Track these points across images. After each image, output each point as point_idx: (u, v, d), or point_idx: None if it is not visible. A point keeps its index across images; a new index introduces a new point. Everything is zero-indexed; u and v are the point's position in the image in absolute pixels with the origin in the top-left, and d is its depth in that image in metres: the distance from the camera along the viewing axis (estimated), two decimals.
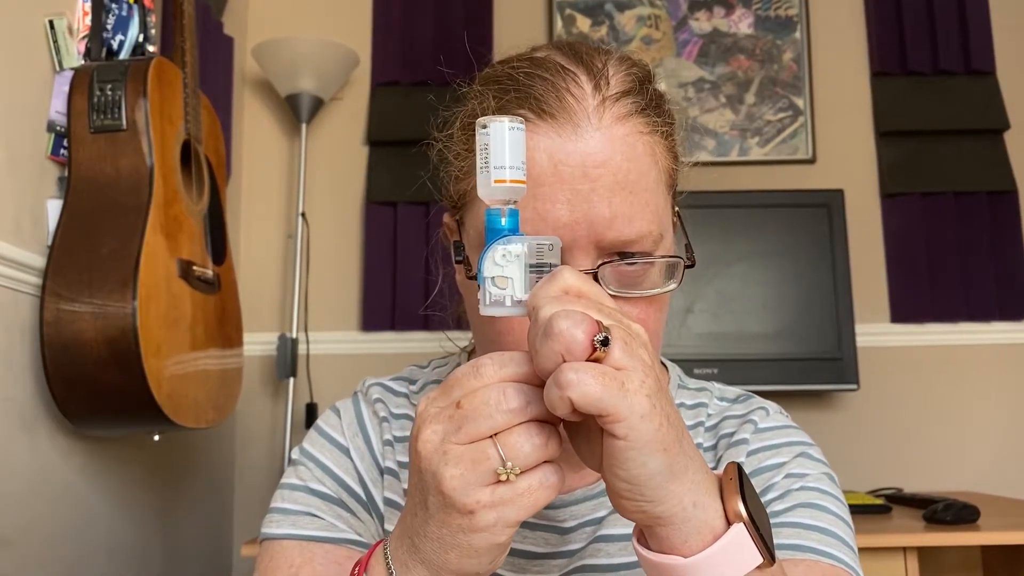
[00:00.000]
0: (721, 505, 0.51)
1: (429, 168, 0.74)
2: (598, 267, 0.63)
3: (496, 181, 0.51)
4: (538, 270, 0.52)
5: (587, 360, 0.46)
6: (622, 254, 0.63)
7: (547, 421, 0.50)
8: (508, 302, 0.52)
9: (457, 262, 0.68)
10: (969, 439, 2.27)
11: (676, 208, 0.71)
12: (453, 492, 0.48)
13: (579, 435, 0.51)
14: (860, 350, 2.22)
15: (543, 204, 0.61)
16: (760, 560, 0.50)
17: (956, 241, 2.29)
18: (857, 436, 2.27)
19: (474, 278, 0.63)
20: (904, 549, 1.59)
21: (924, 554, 1.66)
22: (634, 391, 0.46)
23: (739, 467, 0.53)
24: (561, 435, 0.51)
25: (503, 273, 0.52)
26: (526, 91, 0.64)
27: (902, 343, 2.30)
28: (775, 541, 0.64)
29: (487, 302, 0.53)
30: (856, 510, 1.76)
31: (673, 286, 0.65)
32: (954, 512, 1.63)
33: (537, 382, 0.49)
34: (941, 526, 1.62)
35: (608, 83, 0.65)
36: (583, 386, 0.45)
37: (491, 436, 0.49)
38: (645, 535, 0.53)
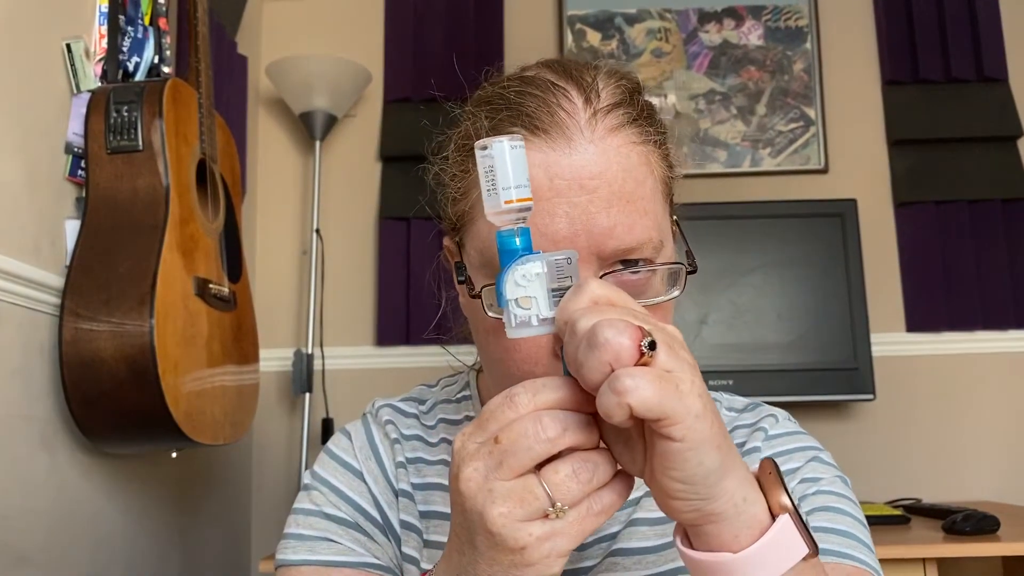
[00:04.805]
0: (764, 499, 0.51)
1: (427, 192, 0.74)
2: (601, 278, 0.62)
3: (506, 203, 0.51)
4: (558, 292, 0.51)
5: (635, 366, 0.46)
6: (624, 263, 0.63)
7: (587, 446, 0.49)
8: (535, 321, 0.51)
9: (460, 282, 0.68)
10: (988, 448, 2.26)
11: (675, 217, 0.71)
12: (503, 530, 0.48)
13: (618, 442, 0.51)
14: (876, 360, 2.21)
15: (542, 219, 0.61)
16: (806, 551, 0.50)
17: (971, 249, 2.28)
18: (874, 446, 2.26)
19: (478, 296, 0.63)
20: (923, 560, 1.58)
21: (944, 565, 1.64)
22: (687, 392, 0.46)
23: (774, 462, 0.53)
24: (609, 453, 0.50)
25: (526, 293, 0.51)
26: (518, 109, 0.64)
27: (918, 352, 2.29)
28: None
29: (513, 324, 0.52)
30: (874, 521, 1.75)
31: (677, 293, 0.65)
32: (974, 522, 1.61)
33: (572, 406, 0.49)
34: (961, 537, 1.60)
35: (598, 96, 0.65)
36: (641, 391, 0.44)
37: (535, 468, 0.48)
38: (690, 536, 0.52)
